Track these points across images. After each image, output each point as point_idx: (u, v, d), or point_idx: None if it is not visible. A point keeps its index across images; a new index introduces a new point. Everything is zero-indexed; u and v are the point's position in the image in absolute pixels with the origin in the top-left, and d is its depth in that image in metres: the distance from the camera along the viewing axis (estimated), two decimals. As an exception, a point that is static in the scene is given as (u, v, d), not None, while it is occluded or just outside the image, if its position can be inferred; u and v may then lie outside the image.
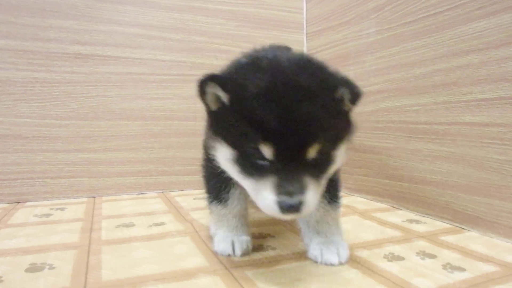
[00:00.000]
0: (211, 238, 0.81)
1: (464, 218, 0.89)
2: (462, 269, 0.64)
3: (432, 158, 0.98)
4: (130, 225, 0.92)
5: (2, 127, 1.13)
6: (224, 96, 0.54)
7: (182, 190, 1.36)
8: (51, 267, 0.66)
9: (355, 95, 0.55)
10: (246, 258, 0.70)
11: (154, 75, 1.31)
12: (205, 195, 0.77)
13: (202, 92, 0.56)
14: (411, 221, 0.95)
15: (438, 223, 0.93)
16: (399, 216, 1.00)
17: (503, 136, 0.81)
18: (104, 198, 1.24)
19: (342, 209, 1.06)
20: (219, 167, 0.64)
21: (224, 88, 0.54)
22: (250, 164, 0.53)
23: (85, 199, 1.22)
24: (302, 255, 0.71)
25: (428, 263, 0.67)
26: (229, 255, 0.70)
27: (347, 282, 0.59)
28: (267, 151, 0.51)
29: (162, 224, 0.93)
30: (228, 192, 0.72)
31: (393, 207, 1.11)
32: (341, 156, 0.59)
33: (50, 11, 1.17)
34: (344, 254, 0.67)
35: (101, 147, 1.25)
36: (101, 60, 1.24)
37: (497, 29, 0.82)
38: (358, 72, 1.25)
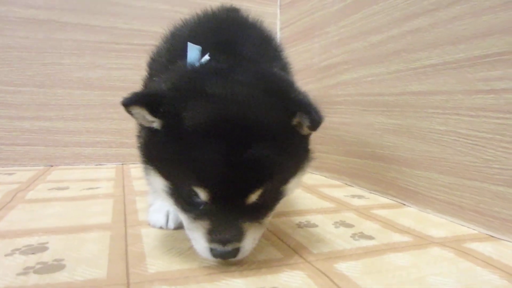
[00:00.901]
0: (134, 201, 0.79)
1: (406, 194, 0.84)
2: (371, 238, 0.60)
3: (381, 131, 0.92)
4: (63, 188, 0.90)
5: (-46, 90, 1.13)
6: (155, 122, 0.45)
7: (143, 163, 1.34)
8: (-50, 220, 0.64)
9: (315, 123, 0.45)
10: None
11: (113, 43, 1.28)
12: (141, 160, 0.67)
13: (128, 112, 0.45)
14: (354, 196, 0.91)
15: (381, 199, 0.88)
16: (346, 191, 0.95)
17: (445, 104, 0.75)
18: (60, 167, 1.23)
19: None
20: None
21: (154, 113, 0.44)
22: (184, 200, 0.46)
23: (41, 168, 1.21)
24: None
25: (340, 231, 0.63)
26: (161, 227, 0.62)
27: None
28: (202, 193, 0.43)
29: (96, 188, 0.91)
30: None
31: (346, 184, 1.06)
32: (294, 187, 0.52)
33: (4, -27, 1.15)
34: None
35: (57, 116, 1.24)
36: (57, 26, 1.21)
37: (448, -14, 0.75)
38: (323, 43, 1.20)
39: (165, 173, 0.46)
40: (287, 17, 1.46)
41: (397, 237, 0.61)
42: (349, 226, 0.66)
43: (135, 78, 1.31)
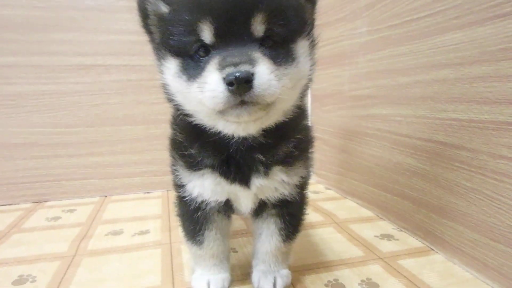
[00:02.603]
0: (180, 251, 0.88)
1: (434, 240, 0.87)
2: (393, 307, 0.65)
3: (410, 173, 0.94)
4: (118, 233, 1.02)
5: (19, 137, 1.28)
6: (165, 8, 0.54)
7: (185, 188, 1.45)
8: (33, 280, 0.77)
9: None
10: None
11: (154, 80, 1.35)
12: (182, 233, 0.74)
13: (144, 15, 0.56)
14: (383, 236, 0.94)
15: (410, 240, 0.92)
16: (377, 228, 1.00)
17: (470, 162, 0.76)
18: (113, 197, 1.37)
19: (321, 218, 1.09)
20: (192, 202, 0.66)
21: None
22: (194, 65, 0.49)
23: (96, 198, 1.36)
24: (249, 278, 0.75)
25: (364, 295, 0.69)
26: None
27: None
28: (206, 32, 0.47)
29: (146, 232, 1.02)
30: (203, 234, 0.69)
31: (377, 216, 1.09)
32: (304, 59, 0.53)
33: (52, 26, 1.25)
34: (280, 283, 0.70)
35: (107, 151, 1.36)
36: (102, 70, 1.32)
37: (471, 44, 0.75)
38: (353, 73, 1.21)
39: (175, 49, 0.51)
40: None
41: (419, 304, 0.65)
42: (374, 286, 0.71)
43: (173, 111, 1.42)
